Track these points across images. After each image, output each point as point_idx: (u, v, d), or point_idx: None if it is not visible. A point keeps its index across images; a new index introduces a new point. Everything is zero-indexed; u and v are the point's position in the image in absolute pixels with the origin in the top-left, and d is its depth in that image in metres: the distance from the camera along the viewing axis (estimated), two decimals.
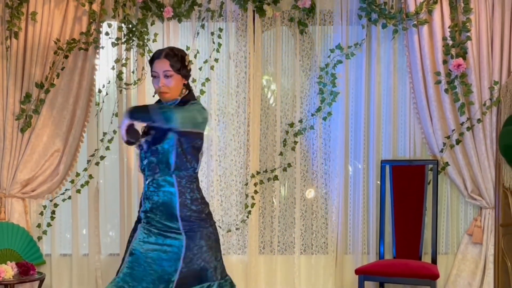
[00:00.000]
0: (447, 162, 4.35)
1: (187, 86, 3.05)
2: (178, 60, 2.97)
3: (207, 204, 3.04)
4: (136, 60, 4.40)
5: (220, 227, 4.45)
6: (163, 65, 2.94)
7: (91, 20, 4.26)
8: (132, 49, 4.38)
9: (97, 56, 4.35)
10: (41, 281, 3.99)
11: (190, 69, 3.06)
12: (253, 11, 4.41)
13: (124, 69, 4.38)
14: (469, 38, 4.24)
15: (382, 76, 4.50)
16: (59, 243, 4.45)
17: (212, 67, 4.42)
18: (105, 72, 4.46)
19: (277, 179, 4.45)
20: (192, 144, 2.92)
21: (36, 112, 4.19)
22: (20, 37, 4.19)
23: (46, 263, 4.23)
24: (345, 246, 4.50)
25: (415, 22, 4.28)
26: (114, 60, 4.38)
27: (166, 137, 2.90)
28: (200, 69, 4.39)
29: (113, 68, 4.38)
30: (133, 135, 2.87)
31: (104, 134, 4.40)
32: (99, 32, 4.31)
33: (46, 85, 4.21)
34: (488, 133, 4.33)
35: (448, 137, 4.32)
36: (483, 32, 4.29)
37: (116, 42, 4.35)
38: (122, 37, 4.36)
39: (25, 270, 3.90)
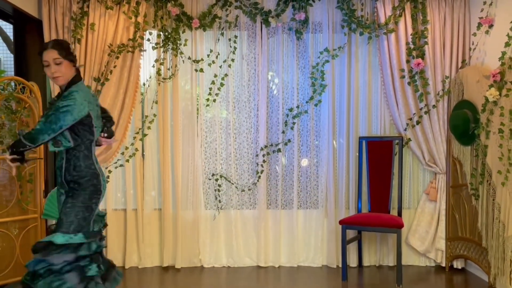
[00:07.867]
0: (409, 138, 4.78)
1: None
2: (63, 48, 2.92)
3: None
4: (171, 60, 4.80)
5: (237, 188, 4.82)
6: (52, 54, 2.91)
7: (136, 29, 4.65)
8: (168, 52, 4.78)
9: (141, 57, 4.73)
10: None
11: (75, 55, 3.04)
12: (261, 22, 4.82)
13: (161, 67, 4.78)
14: (426, 43, 4.68)
15: (359, 72, 4.88)
16: (113, 200, 4.85)
17: (229, 66, 4.86)
18: (147, 69, 4.82)
19: (280, 151, 4.86)
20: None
21: None
22: (82, 43, 4.59)
23: None
24: (331, 203, 4.88)
25: (385, 31, 4.71)
26: (154, 60, 4.78)
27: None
28: (220, 67, 4.83)
29: (153, 66, 4.79)
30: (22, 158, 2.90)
31: (146, 117, 4.82)
32: (142, 38, 4.69)
33: (102, 79, 4.60)
34: (441, 116, 4.75)
35: (410, 119, 4.76)
36: (437, 38, 4.73)
37: (155, 46, 4.75)
38: (160, 42, 4.75)
39: None
